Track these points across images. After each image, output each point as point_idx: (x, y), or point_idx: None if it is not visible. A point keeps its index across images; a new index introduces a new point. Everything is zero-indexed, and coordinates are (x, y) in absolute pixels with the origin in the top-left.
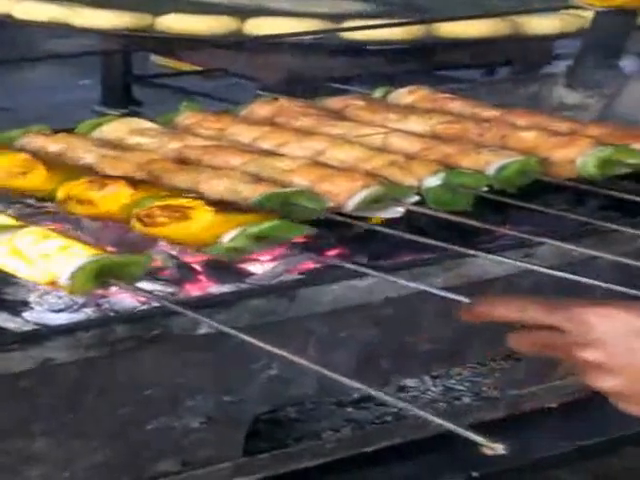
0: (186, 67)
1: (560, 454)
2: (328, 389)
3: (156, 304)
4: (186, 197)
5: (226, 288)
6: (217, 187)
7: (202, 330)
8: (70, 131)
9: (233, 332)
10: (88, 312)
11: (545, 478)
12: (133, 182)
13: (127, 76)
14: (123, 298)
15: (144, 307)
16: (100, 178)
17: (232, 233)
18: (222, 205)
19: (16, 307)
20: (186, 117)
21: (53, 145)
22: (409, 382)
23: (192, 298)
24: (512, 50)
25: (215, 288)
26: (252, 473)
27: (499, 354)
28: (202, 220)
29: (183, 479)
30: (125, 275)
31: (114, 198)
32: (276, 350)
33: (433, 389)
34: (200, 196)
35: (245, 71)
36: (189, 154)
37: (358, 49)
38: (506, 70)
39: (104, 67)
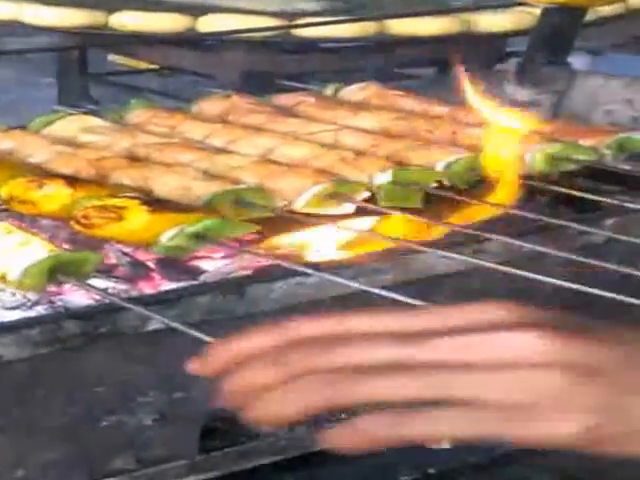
0: (144, 65)
1: (519, 450)
2: None
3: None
4: (122, 197)
5: (178, 285)
6: (167, 184)
7: (152, 326)
8: (24, 128)
9: (183, 328)
10: (41, 310)
11: (503, 475)
12: (73, 181)
13: (84, 74)
14: (77, 296)
15: (94, 304)
16: (39, 178)
17: (171, 232)
18: (160, 204)
19: None
20: (137, 114)
21: (4, 142)
22: None
23: (143, 295)
24: (465, 48)
25: (167, 285)
26: (207, 471)
27: None
28: (136, 220)
29: (138, 477)
30: (77, 273)
31: (53, 198)
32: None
33: None
34: (139, 195)
35: (200, 69)
36: (139, 151)
37: (312, 47)
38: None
39: (60, 65)
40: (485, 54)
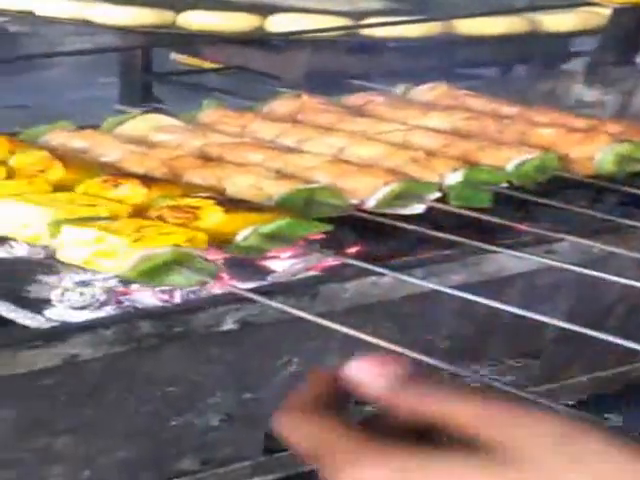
0: (206, 65)
1: None
2: None
3: (177, 301)
4: (196, 197)
5: (249, 285)
6: (240, 184)
7: (225, 327)
8: (95, 128)
9: (311, 317)
10: (109, 310)
11: None
12: (148, 181)
13: (147, 74)
14: (144, 296)
15: (167, 304)
16: (114, 177)
17: (245, 232)
18: (234, 204)
19: (38, 305)
20: (208, 114)
21: (78, 142)
22: None
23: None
24: (529, 47)
25: (237, 285)
26: (271, 472)
27: (516, 352)
28: (211, 220)
29: (202, 478)
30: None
31: (128, 198)
32: (355, 333)
33: None
34: (213, 195)
35: (265, 68)
36: (211, 151)
37: (377, 46)
38: (523, 67)
39: (123, 65)
40: (549, 54)
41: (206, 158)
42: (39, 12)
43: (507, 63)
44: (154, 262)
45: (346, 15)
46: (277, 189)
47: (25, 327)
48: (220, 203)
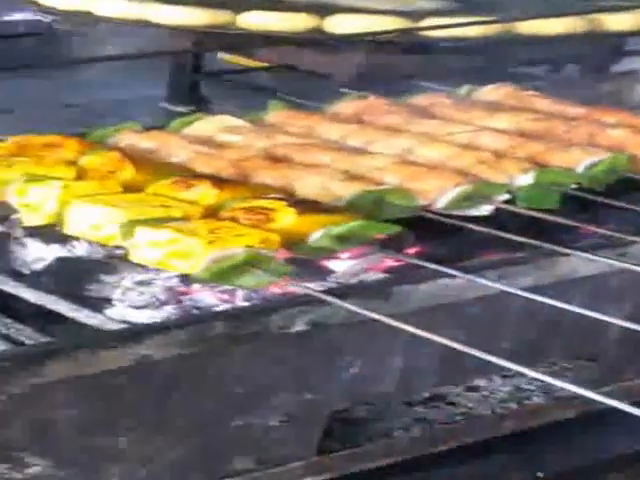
0: (252, 64)
1: (630, 454)
2: (407, 388)
3: (245, 303)
4: (268, 198)
5: (310, 285)
6: (309, 185)
7: (296, 328)
8: (161, 128)
9: (385, 319)
10: (169, 309)
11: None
12: (219, 182)
13: (196, 73)
14: (205, 296)
15: (240, 305)
16: (185, 179)
17: (317, 234)
18: (305, 205)
19: (98, 304)
20: (274, 115)
21: (145, 142)
22: (478, 381)
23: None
24: (589, 48)
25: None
26: (324, 472)
27: (571, 354)
28: (284, 221)
29: (256, 478)
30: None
31: (200, 199)
32: (428, 335)
33: (502, 389)
34: (285, 196)
35: (320, 68)
36: (279, 151)
37: (433, 46)
38: (583, 68)
39: (173, 65)
40: (610, 54)
41: (273, 159)
42: (94, 12)
43: (567, 63)
44: (227, 263)
45: (404, 15)
46: (346, 190)
47: (88, 326)
48: (292, 205)
